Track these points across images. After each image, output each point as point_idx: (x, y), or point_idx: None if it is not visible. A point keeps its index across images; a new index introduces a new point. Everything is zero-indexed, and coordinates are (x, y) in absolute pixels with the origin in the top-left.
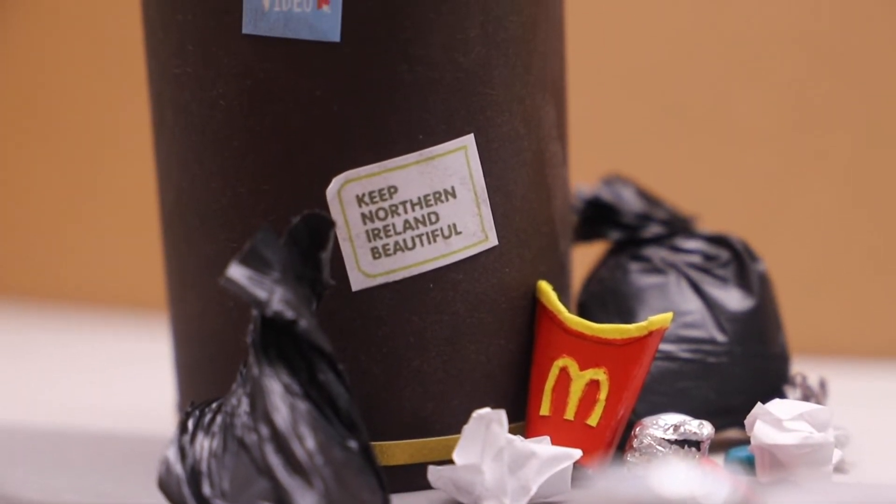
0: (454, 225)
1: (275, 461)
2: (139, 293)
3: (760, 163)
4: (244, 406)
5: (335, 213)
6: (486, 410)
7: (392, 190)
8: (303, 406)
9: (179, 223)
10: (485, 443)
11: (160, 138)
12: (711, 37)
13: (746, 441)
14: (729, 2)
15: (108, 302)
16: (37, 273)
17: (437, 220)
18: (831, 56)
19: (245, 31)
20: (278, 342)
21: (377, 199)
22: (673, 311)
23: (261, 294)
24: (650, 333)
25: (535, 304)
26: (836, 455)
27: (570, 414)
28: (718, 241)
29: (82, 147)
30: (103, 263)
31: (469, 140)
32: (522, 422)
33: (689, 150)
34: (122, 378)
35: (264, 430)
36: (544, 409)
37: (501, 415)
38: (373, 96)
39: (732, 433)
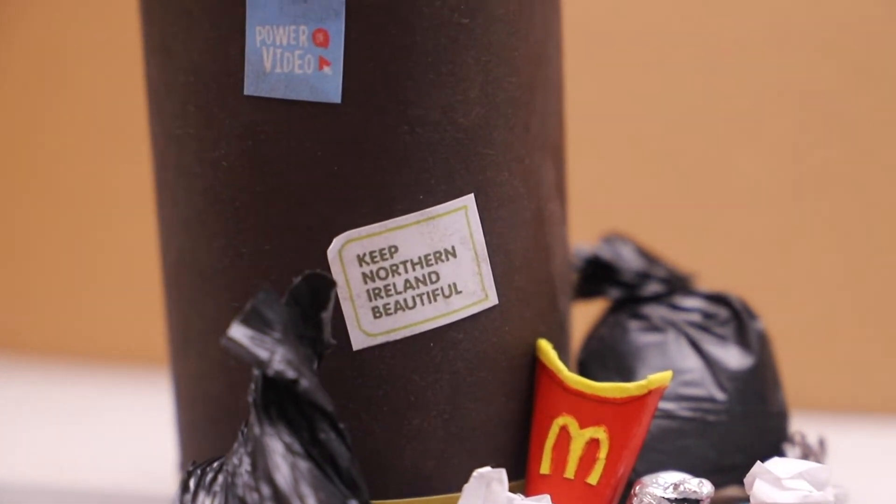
0: (454, 284)
1: None
2: (141, 348)
3: (758, 221)
4: (245, 465)
5: (336, 272)
6: (487, 469)
7: (393, 249)
8: (304, 465)
9: (181, 282)
10: (485, 501)
11: (162, 199)
12: (710, 97)
13: (746, 499)
14: (727, 63)
15: (109, 357)
16: (38, 328)
17: (438, 279)
18: (830, 119)
19: (247, 92)
20: (279, 401)
21: (378, 258)
22: (672, 369)
23: (262, 354)
24: (650, 392)
25: (535, 362)
26: None
27: (570, 472)
28: (717, 299)
29: (85, 203)
30: (106, 319)
31: (469, 200)
32: (523, 480)
33: (687, 209)
34: (123, 435)
35: (266, 490)
36: (544, 468)
37: (502, 473)
38: (373, 157)
39: (732, 491)
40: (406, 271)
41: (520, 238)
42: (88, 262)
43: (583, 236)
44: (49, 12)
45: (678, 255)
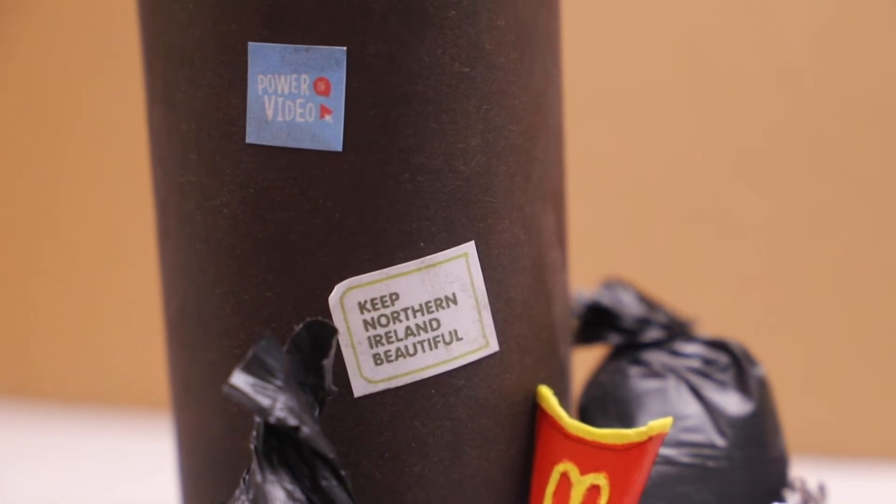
0: (455, 331)
1: None
2: (143, 393)
3: (758, 264)
4: None
5: (337, 320)
6: None
7: (394, 297)
8: None
9: (183, 329)
10: None
11: (165, 246)
12: (708, 141)
13: None
14: (725, 105)
15: (110, 402)
16: (39, 372)
17: (439, 326)
18: (830, 160)
19: (248, 140)
20: (281, 448)
21: (379, 306)
22: (673, 415)
23: (264, 401)
24: (650, 438)
25: (535, 408)
26: None
27: None
28: (717, 345)
29: (87, 248)
30: (108, 363)
31: (470, 247)
32: None
33: (687, 252)
34: (125, 481)
35: None
36: None
37: None
38: (375, 204)
39: None
40: (407, 318)
41: (520, 285)
42: (90, 307)
43: (583, 281)
44: (47, 55)
45: (678, 296)
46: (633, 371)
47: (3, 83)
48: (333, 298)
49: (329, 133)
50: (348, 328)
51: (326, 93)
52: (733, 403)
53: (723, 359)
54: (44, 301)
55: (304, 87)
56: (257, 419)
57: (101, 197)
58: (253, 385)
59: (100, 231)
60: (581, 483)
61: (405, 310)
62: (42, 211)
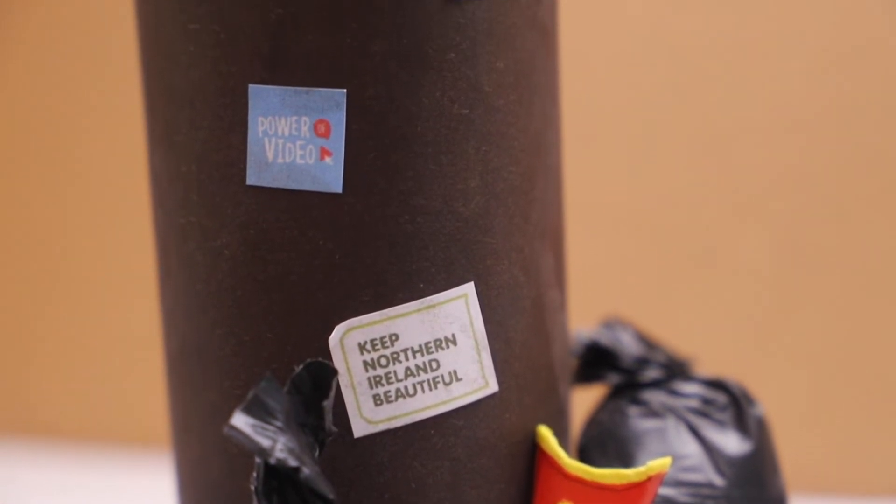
0: (455, 372)
1: None
2: (144, 431)
3: (757, 303)
4: None
5: (338, 360)
6: None
7: (394, 338)
8: None
9: (183, 369)
10: None
11: (165, 287)
12: (706, 179)
13: None
14: (725, 144)
15: (111, 440)
16: (39, 409)
17: (438, 367)
18: (827, 199)
19: (249, 182)
20: (281, 489)
21: (379, 346)
22: (672, 455)
23: (264, 442)
24: (649, 478)
25: (535, 448)
26: None
27: None
28: (716, 385)
29: (88, 285)
30: (108, 400)
31: (469, 288)
32: None
33: (686, 291)
34: None
35: None
36: None
37: None
38: (374, 246)
39: None
40: (407, 359)
41: (520, 325)
42: (90, 344)
43: (583, 320)
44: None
45: (677, 335)
46: (633, 411)
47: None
48: (333, 339)
49: (329, 175)
50: (348, 369)
51: (326, 135)
52: (732, 443)
53: (721, 398)
54: (43, 338)
55: (305, 129)
56: (257, 460)
57: (101, 234)
58: (253, 426)
59: (100, 268)
60: None
61: (405, 350)
62: (43, 246)
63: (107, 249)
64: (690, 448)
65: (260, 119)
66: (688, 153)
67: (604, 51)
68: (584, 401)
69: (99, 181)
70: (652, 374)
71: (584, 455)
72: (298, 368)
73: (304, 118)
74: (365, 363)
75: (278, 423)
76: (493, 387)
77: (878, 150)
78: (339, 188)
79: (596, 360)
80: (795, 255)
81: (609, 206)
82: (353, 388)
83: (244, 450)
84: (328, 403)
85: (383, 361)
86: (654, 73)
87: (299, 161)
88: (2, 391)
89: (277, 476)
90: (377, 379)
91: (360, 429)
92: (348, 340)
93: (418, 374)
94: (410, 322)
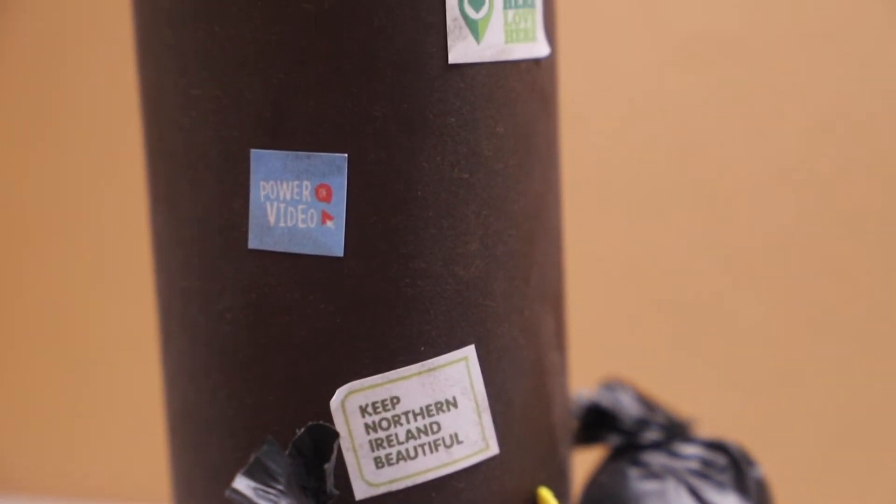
0: (456, 434)
1: None
2: (146, 491)
3: (757, 364)
4: None
5: (339, 423)
6: None
7: (395, 400)
8: None
9: (185, 431)
10: None
11: (167, 349)
12: (705, 239)
13: None
14: (721, 205)
15: (113, 500)
16: (41, 470)
17: (439, 429)
18: (826, 262)
19: (251, 246)
20: None
21: (380, 409)
22: None
23: None
24: None
25: None
26: None
27: None
28: (716, 447)
29: (91, 346)
30: (111, 461)
31: (470, 351)
32: None
33: (685, 352)
34: None
35: None
36: None
37: None
38: (375, 309)
39: None
40: (408, 422)
41: (520, 388)
42: (93, 405)
43: (583, 380)
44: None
45: (677, 395)
46: (633, 472)
47: None
48: (335, 402)
49: (330, 239)
50: (349, 432)
51: (328, 199)
52: None
53: (722, 460)
54: (44, 399)
55: (306, 193)
56: None
57: (102, 294)
58: (255, 489)
59: (102, 330)
60: None
61: (406, 413)
62: (41, 305)
63: (109, 310)
64: None
65: (262, 183)
66: (686, 214)
67: (603, 114)
68: (585, 462)
69: (100, 243)
70: (652, 435)
71: None
72: (300, 431)
73: (306, 182)
74: (366, 426)
75: (280, 487)
76: (493, 449)
77: (876, 210)
78: (340, 252)
79: (596, 422)
80: (795, 315)
81: (609, 267)
82: (355, 451)
83: None
84: (329, 466)
85: (384, 424)
86: (653, 137)
87: (301, 225)
88: (3, 451)
89: None
90: (378, 441)
91: (361, 491)
92: (350, 403)
93: (419, 437)
94: (411, 385)
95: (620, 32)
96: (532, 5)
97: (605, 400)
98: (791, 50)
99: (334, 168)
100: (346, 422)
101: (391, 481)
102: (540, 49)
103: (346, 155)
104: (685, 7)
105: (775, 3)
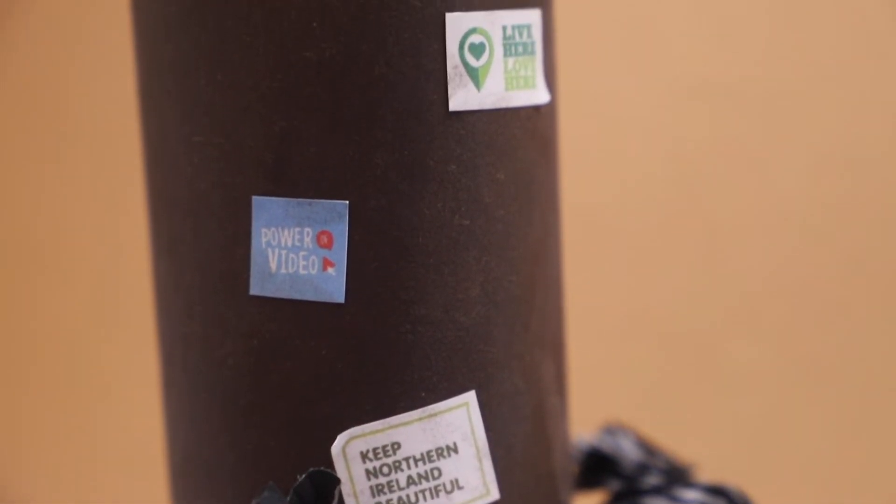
0: (456, 480)
1: None
2: None
3: (757, 409)
4: None
5: (340, 469)
6: None
7: (396, 446)
8: None
9: (187, 477)
10: None
11: (169, 396)
12: (706, 284)
13: None
14: (724, 250)
15: None
16: None
17: (440, 475)
18: (825, 307)
19: (252, 292)
20: None
21: (381, 455)
22: None
23: None
24: None
25: None
26: None
27: None
28: (717, 491)
29: (92, 392)
30: None
31: (470, 397)
32: None
33: (686, 395)
34: None
35: None
36: None
37: None
38: (376, 355)
39: None
40: (409, 467)
41: (521, 433)
42: (93, 450)
43: (584, 424)
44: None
45: (678, 439)
46: None
47: None
48: (336, 448)
49: (332, 285)
50: (350, 477)
51: (329, 246)
52: None
53: None
54: (42, 445)
55: (308, 239)
56: None
57: (103, 340)
58: None
59: (103, 375)
60: None
61: (407, 459)
62: (41, 351)
63: (110, 355)
64: None
65: (263, 230)
66: (687, 258)
67: (603, 158)
68: None
69: (100, 287)
70: (653, 480)
71: None
72: (301, 477)
73: (307, 229)
74: (367, 472)
75: None
76: (494, 495)
77: (877, 253)
78: (341, 298)
79: (597, 466)
80: (796, 359)
81: (609, 311)
82: (356, 497)
83: None
84: None
85: (385, 470)
86: (652, 181)
87: (302, 271)
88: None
89: None
90: (379, 487)
91: None
92: (350, 449)
93: (420, 483)
94: (412, 431)
95: (620, 77)
96: (532, 53)
97: (606, 444)
98: (793, 93)
99: (335, 215)
100: (348, 467)
101: None
102: (540, 96)
103: (347, 202)
104: (686, 51)
105: (777, 45)
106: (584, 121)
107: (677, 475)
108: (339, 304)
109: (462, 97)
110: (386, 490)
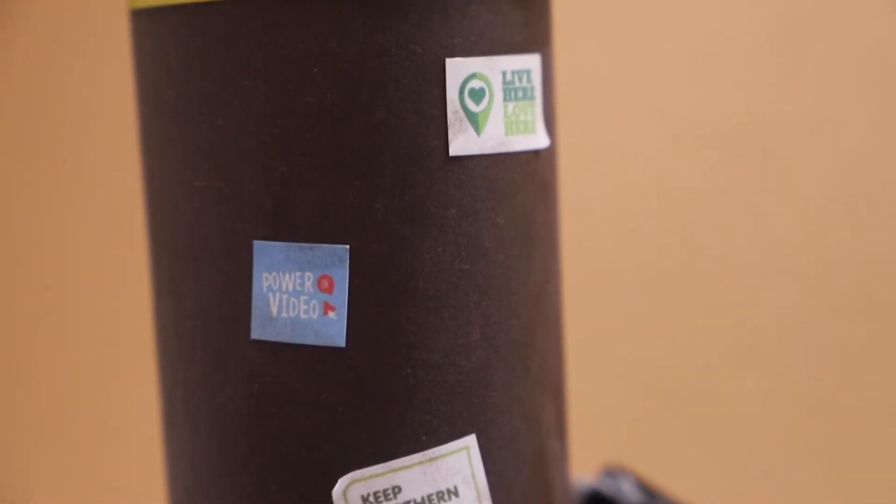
0: None
1: None
2: None
3: (758, 449)
4: None
5: None
6: None
7: (396, 490)
8: None
9: None
10: None
11: (170, 439)
12: (708, 327)
13: None
14: (722, 291)
15: None
16: None
17: None
18: (826, 345)
19: (253, 336)
20: None
21: (382, 499)
22: None
23: None
24: None
25: None
26: None
27: None
28: None
29: (92, 433)
30: None
31: (471, 440)
32: None
33: (687, 439)
34: None
35: None
36: None
37: None
38: (377, 399)
39: None
40: None
41: (521, 477)
42: (96, 493)
43: (584, 465)
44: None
45: (678, 481)
46: None
47: None
48: (336, 492)
49: (332, 329)
50: None
51: (330, 290)
52: None
53: None
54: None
55: (308, 284)
56: None
57: (103, 375)
58: None
59: (105, 417)
60: None
61: (408, 503)
62: (41, 389)
63: (111, 398)
64: None
65: (264, 274)
66: (687, 301)
67: (602, 201)
68: None
69: (100, 330)
70: None
71: None
72: None
73: (308, 273)
74: None
75: None
76: None
77: (877, 296)
78: (342, 342)
79: None
80: (795, 400)
81: (609, 353)
82: None
83: None
84: None
85: None
86: (652, 225)
87: (303, 316)
88: None
89: None
90: None
91: None
92: (351, 493)
93: None
94: (413, 474)
95: (620, 120)
96: (532, 97)
97: (606, 487)
98: (794, 136)
99: (336, 259)
100: None
101: None
102: (540, 141)
103: (347, 246)
104: (685, 93)
105: (776, 92)
106: (583, 165)
107: None
108: (339, 349)
109: (462, 142)
110: None
